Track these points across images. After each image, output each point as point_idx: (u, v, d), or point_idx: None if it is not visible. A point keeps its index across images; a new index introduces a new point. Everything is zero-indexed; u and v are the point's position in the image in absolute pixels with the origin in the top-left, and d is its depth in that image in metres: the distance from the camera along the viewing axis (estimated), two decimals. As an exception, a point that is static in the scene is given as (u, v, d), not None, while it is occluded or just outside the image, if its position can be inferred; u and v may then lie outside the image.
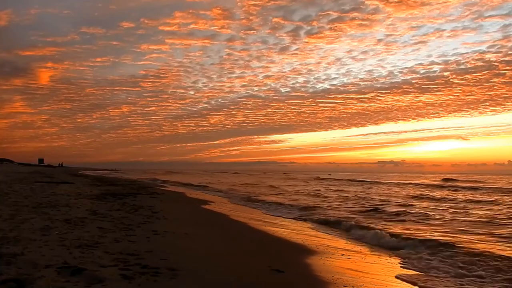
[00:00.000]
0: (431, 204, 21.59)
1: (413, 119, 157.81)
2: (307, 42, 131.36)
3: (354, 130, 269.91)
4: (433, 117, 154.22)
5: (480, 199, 24.40)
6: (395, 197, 26.50)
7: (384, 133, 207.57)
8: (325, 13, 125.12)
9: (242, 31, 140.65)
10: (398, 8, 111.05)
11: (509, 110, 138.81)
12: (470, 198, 24.92)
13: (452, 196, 26.83)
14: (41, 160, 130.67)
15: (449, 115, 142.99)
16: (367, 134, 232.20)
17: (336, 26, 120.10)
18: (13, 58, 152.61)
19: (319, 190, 33.66)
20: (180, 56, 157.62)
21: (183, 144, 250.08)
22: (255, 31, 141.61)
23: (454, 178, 64.46)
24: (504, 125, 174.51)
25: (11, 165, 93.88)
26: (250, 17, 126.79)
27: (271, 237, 10.41)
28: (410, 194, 29.40)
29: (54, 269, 5.19)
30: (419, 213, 16.54)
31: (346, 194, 28.14)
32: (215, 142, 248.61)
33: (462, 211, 17.96)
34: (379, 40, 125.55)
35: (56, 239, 7.14)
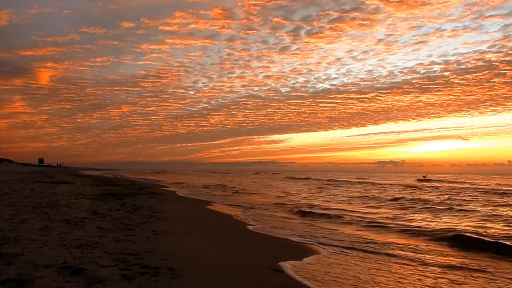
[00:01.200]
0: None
1: (413, 119, 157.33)
2: (307, 42, 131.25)
3: (354, 130, 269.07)
4: (433, 117, 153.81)
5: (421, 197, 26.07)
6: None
7: (384, 133, 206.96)
8: (325, 13, 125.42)
9: (242, 31, 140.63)
10: (398, 8, 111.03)
11: (509, 110, 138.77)
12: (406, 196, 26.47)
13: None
14: (41, 160, 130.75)
15: (449, 115, 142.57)
16: (367, 134, 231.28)
17: (336, 26, 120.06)
18: (13, 58, 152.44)
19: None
20: (180, 56, 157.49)
21: (183, 144, 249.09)
22: (255, 31, 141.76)
23: (433, 178, 66.15)
24: (504, 125, 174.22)
25: (11, 165, 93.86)
26: (251, 17, 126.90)
27: (270, 237, 10.41)
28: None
29: (54, 269, 5.20)
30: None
31: (292, 196, 28.04)
32: (215, 142, 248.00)
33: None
34: (380, 40, 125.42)
35: (56, 239, 7.14)
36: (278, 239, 10.16)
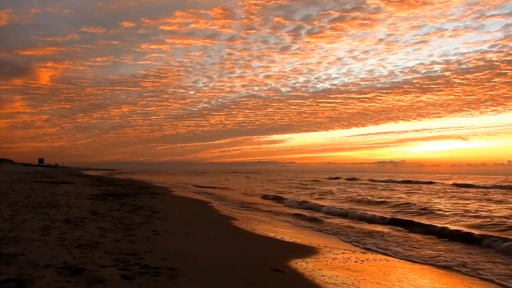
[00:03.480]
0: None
1: (413, 119, 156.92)
2: (308, 42, 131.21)
3: (354, 130, 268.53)
4: (434, 117, 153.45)
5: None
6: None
7: (385, 133, 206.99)
8: (326, 12, 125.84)
9: (242, 31, 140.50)
10: (399, 7, 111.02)
11: (510, 110, 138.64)
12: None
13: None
14: (41, 160, 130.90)
15: (450, 115, 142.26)
16: (367, 134, 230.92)
17: (337, 26, 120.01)
18: (13, 58, 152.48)
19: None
20: (181, 55, 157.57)
21: (183, 144, 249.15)
22: (255, 31, 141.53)
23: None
24: (504, 125, 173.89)
25: (11, 165, 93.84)
26: (251, 17, 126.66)
27: (271, 237, 10.40)
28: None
29: (54, 269, 5.19)
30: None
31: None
32: (215, 142, 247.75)
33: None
34: (380, 40, 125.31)
35: (56, 239, 7.14)
36: (276, 239, 10.17)
